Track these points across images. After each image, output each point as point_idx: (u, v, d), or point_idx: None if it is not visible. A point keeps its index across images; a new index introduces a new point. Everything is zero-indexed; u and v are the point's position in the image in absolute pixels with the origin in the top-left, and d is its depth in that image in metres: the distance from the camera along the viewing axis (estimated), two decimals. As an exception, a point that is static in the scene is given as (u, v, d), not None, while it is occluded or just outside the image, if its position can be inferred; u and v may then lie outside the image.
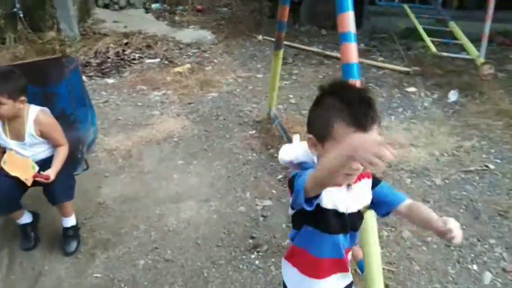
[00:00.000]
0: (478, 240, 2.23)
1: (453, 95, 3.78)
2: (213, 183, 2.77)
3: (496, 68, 4.04)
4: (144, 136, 3.31)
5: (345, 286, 1.26)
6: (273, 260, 2.15)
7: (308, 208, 1.01)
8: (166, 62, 4.93)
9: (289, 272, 1.25)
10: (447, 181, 2.69)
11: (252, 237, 2.31)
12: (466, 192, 2.59)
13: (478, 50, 4.00)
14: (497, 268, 2.06)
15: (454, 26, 4.40)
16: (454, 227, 1.02)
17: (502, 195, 2.55)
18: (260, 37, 5.67)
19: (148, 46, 5.37)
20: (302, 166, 1.11)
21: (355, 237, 1.20)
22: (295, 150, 1.14)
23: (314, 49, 5.15)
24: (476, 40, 4.11)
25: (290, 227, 2.33)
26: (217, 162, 2.99)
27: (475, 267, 2.06)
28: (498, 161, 2.88)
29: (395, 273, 2.02)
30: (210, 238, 2.31)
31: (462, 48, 4.39)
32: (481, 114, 3.46)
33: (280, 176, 2.82)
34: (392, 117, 3.54)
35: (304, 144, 1.12)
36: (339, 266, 1.20)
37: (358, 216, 1.18)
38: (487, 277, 2.01)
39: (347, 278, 1.25)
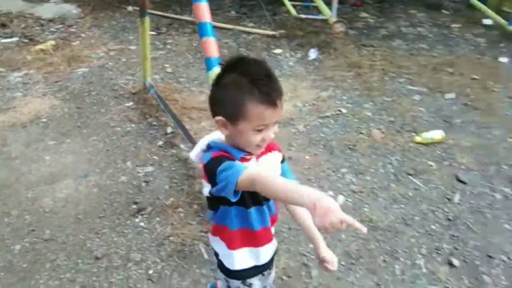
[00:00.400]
0: (333, 171, 2.63)
1: (312, 53, 4.20)
2: (90, 159, 2.74)
3: (347, 26, 4.58)
4: (7, 121, 3.07)
5: (273, 252, 1.31)
6: (157, 219, 2.27)
7: (234, 200, 1.02)
8: (26, 40, 4.51)
9: (219, 246, 1.25)
10: (308, 127, 3.07)
11: (136, 202, 2.39)
12: (323, 134, 3.00)
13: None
14: (348, 191, 2.48)
15: (311, -10, 4.83)
16: (331, 260, 1.25)
17: (351, 133, 3.01)
18: (130, 8, 5.47)
19: (3, 25, 4.83)
20: (210, 146, 1.14)
21: (272, 206, 1.23)
22: (203, 141, 1.18)
23: (187, 17, 5.17)
24: (330, 3, 4.58)
25: (173, 187, 2.51)
26: (93, 138, 2.94)
27: (331, 193, 2.44)
28: (349, 105, 3.36)
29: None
30: (91, 212, 2.32)
31: (319, 10, 4.84)
32: (335, 68, 3.93)
33: (160, 143, 2.90)
34: (262, 77, 3.82)
35: (210, 135, 1.18)
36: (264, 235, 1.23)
37: None
38: (340, 199, 2.40)
39: (273, 245, 1.30)
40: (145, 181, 2.55)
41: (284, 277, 1.95)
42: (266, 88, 1.03)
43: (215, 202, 1.16)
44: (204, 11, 1.86)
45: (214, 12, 5.44)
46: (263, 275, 1.30)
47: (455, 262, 2.03)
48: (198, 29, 1.92)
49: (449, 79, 3.71)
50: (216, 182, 1.04)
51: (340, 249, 2.09)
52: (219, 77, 1.09)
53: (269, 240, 1.25)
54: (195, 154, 1.18)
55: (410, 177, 2.60)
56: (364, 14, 5.37)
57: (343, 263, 2.01)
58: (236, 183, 0.98)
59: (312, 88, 3.61)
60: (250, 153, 1.12)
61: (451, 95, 3.49)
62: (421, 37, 4.69)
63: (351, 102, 3.41)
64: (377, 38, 4.62)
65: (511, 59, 4.13)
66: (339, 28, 4.36)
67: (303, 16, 4.79)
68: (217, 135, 1.17)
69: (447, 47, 4.41)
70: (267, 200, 1.18)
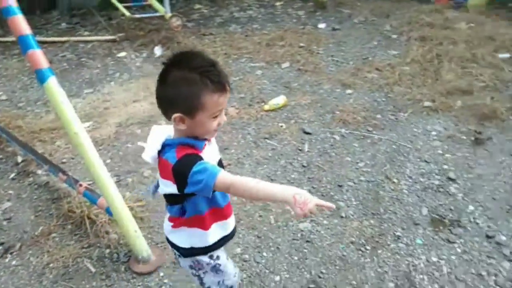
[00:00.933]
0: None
1: (157, 50, 4.28)
2: None
3: (183, 19, 4.76)
4: None
5: (235, 220, 1.42)
6: (30, 252, 2.16)
7: (209, 196, 1.14)
8: None
9: (193, 234, 1.29)
10: (168, 120, 3.19)
11: (1, 243, 2.21)
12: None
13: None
14: (217, 168, 2.69)
15: (140, -10, 4.86)
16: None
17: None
18: None
19: None
20: (166, 143, 1.17)
21: None
22: (154, 142, 1.20)
23: (11, 38, 4.71)
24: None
25: (39, 215, 2.38)
26: None
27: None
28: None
29: (145, 206, 2.37)
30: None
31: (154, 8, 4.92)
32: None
33: (12, 175, 2.70)
34: (112, 83, 3.78)
35: (155, 133, 1.21)
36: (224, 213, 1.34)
37: (220, 166, 1.28)
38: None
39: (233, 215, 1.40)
40: (6, 219, 2.37)
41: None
42: (216, 77, 1.11)
43: (180, 197, 1.20)
44: (20, 24, 1.78)
45: (43, 27, 5.15)
46: (225, 245, 1.41)
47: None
48: (19, 43, 1.82)
49: (281, 51, 4.20)
50: (186, 182, 1.09)
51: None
52: (165, 75, 1.13)
53: (232, 211, 1.38)
54: (151, 155, 1.21)
55: (267, 140, 2.94)
56: (198, 6, 5.64)
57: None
58: (213, 186, 1.08)
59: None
60: (206, 139, 1.22)
61: (286, 64, 3.97)
62: (252, 19, 5.15)
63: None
64: (214, 26, 4.93)
65: (326, 24, 4.85)
66: (176, 22, 4.52)
67: (138, 16, 4.82)
68: (162, 132, 1.22)
69: (275, 24, 4.94)
70: None
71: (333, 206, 1.12)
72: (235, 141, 2.94)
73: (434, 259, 2.02)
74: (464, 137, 2.86)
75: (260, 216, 2.32)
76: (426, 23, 4.47)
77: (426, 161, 2.68)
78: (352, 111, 3.21)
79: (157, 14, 4.71)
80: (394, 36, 4.41)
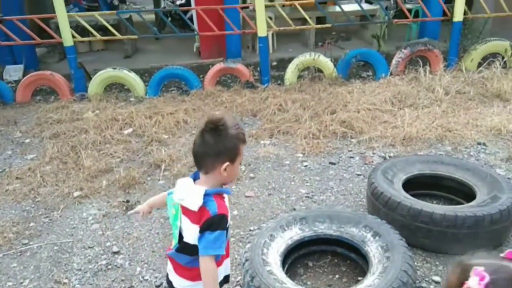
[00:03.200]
0: None
1: None
2: None
3: None
4: None
5: None
6: None
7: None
8: None
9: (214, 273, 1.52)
10: None
11: None
12: None
13: None
14: None
15: None
16: None
17: None
18: None
19: None
20: (207, 193, 1.49)
21: None
22: (195, 192, 1.49)
23: None
24: None
25: None
26: None
27: None
28: None
29: None
30: None
31: None
32: None
33: None
34: None
35: (193, 185, 1.54)
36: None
37: None
38: None
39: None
40: None
41: None
42: (243, 132, 1.56)
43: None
44: None
45: None
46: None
47: None
48: None
49: None
50: (204, 231, 1.46)
51: None
52: (220, 132, 1.46)
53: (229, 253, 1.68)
54: (198, 205, 1.47)
55: None
56: None
57: None
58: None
59: None
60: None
61: None
62: None
63: None
64: None
65: None
66: None
67: None
68: (194, 184, 1.54)
69: None
70: None
71: None
72: None
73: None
74: (117, 210, 3.15)
75: None
76: (55, 120, 4.65)
77: (90, 247, 2.76)
78: (1, 231, 2.91)
79: None
80: (27, 141, 4.35)
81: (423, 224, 2.45)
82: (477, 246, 2.41)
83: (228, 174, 1.51)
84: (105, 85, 5.56)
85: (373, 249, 2.23)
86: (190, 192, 1.50)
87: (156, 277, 2.46)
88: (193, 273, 1.55)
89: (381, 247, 2.20)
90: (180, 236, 1.56)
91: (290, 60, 5.71)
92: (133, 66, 6.64)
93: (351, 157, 3.72)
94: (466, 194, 2.79)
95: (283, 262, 2.31)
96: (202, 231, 1.46)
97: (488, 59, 5.36)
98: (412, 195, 2.74)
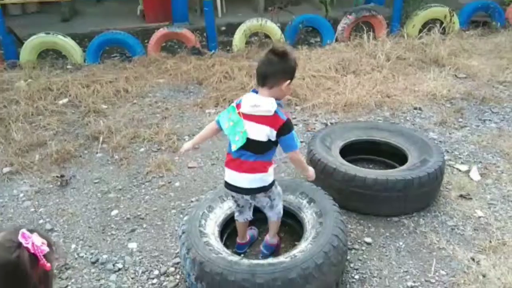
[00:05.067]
0: None
1: None
2: None
3: None
4: None
5: None
6: None
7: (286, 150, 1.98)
8: None
9: (270, 173, 2.02)
10: None
11: None
12: None
13: None
14: None
15: None
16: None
17: None
18: None
19: None
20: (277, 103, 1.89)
21: None
22: (271, 100, 1.88)
23: None
24: None
25: None
26: None
27: None
28: None
29: None
30: None
31: None
32: None
33: None
34: None
35: (263, 97, 1.90)
36: None
37: None
38: None
39: None
40: None
41: None
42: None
43: (272, 143, 1.93)
44: None
45: None
46: None
47: None
48: None
49: None
50: (285, 134, 1.89)
51: None
52: (284, 54, 1.87)
53: None
54: (272, 111, 1.86)
55: None
56: None
57: None
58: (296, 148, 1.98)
59: None
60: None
61: None
62: None
63: None
64: None
65: None
66: None
67: None
68: (262, 96, 1.92)
69: None
70: None
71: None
72: None
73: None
74: (51, 186, 3.00)
75: None
76: (-19, 91, 4.28)
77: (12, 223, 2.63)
78: None
79: None
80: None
81: (357, 188, 2.54)
82: (407, 207, 2.64)
83: (286, 90, 1.93)
84: (38, 52, 5.16)
85: (308, 215, 2.28)
86: (263, 102, 1.88)
87: (92, 253, 2.40)
88: (259, 166, 1.95)
89: (315, 213, 2.26)
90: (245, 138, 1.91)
91: (239, 25, 5.55)
92: (71, 30, 6.22)
93: (295, 125, 3.74)
94: (400, 158, 2.91)
95: (222, 233, 2.33)
96: (281, 134, 1.89)
97: (428, 25, 5.50)
98: (350, 161, 2.82)
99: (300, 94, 4.13)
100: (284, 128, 1.88)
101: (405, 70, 4.63)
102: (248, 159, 1.95)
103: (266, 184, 2.01)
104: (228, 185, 2.06)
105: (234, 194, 2.09)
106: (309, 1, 7.83)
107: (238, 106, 1.95)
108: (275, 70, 1.87)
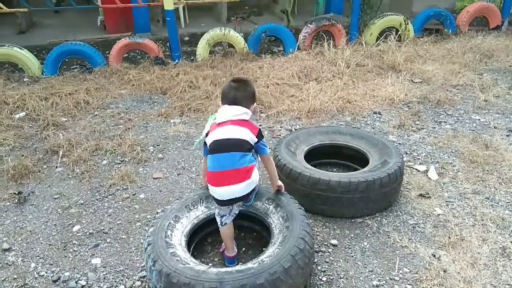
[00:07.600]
0: None
1: None
2: None
3: None
4: None
5: None
6: None
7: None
8: None
9: (255, 176, 2.19)
10: None
11: None
12: None
13: None
14: None
15: None
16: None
17: None
18: None
19: None
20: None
21: None
22: (245, 109, 2.18)
23: None
24: None
25: None
26: None
27: None
28: None
29: None
30: None
31: None
32: None
33: None
34: None
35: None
36: None
37: None
38: None
39: None
40: None
41: None
42: None
43: (251, 147, 2.15)
44: None
45: None
46: None
47: None
48: None
49: None
50: (261, 139, 2.17)
51: None
52: (249, 85, 2.27)
53: None
54: (248, 116, 2.17)
55: None
56: None
57: None
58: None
59: None
60: None
61: None
62: None
63: None
64: None
65: None
66: None
67: None
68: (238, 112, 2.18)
69: None
70: None
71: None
72: None
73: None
74: (8, 204, 2.86)
75: None
76: None
77: (-25, 247, 2.49)
78: None
79: None
80: None
81: (322, 191, 2.59)
82: (370, 208, 2.72)
83: (253, 112, 2.27)
84: (-8, 65, 4.95)
85: (275, 220, 2.30)
86: (239, 109, 2.16)
87: (53, 272, 2.30)
88: (243, 172, 2.11)
89: (282, 218, 2.27)
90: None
91: (202, 35, 5.56)
92: (28, 42, 6.03)
93: (260, 132, 3.77)
94: (362, 160, 3.00)
95: (189, 242, 2.30)
96: (259, 139, 2.16)
97: (385, 33, 5.73)
98: (315, 165, 2.88)
99: (265, 102, 4.17)
100: (260, 134, 2.18)
101: (364, 76, 4.79)
102: (234, 167, 2.13)
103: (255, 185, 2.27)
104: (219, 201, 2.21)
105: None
106: (271, 12, 7.97)
107: (212, 126, 2.19)
108: (246, 95, 2.20)
